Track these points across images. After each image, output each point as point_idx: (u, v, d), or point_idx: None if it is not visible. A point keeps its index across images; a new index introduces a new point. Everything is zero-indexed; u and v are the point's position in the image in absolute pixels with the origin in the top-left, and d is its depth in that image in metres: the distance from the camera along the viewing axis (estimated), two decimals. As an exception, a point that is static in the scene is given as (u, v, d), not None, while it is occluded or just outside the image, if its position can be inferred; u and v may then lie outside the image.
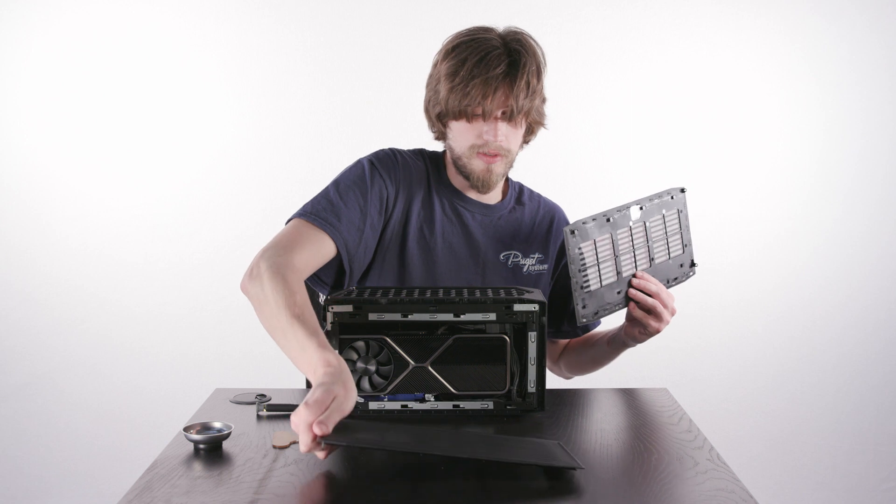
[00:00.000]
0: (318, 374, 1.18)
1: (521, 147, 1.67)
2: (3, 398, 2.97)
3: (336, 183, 1.60)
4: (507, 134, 1.58)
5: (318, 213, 1.53)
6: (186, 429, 1.30)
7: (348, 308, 1.39)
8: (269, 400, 1.52)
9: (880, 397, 3.04)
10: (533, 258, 1.71)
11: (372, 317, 1.39)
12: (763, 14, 2.96)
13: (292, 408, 1.45)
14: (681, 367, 2.93)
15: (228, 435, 1.30)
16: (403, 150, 1.70)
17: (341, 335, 1.40)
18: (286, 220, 1.56)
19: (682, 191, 1.66)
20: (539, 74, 1.58)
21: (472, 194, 1.69)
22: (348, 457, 1.24)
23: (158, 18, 2.93)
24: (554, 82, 2.96)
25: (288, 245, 1.46)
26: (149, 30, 2.93)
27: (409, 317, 1.40)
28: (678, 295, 1.69)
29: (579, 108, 2.99)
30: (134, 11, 2.92)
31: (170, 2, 2.92)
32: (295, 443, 1.30)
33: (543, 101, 1.65)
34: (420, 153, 1.71)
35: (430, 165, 1.69)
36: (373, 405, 1.42)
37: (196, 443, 1.28)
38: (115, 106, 2.95)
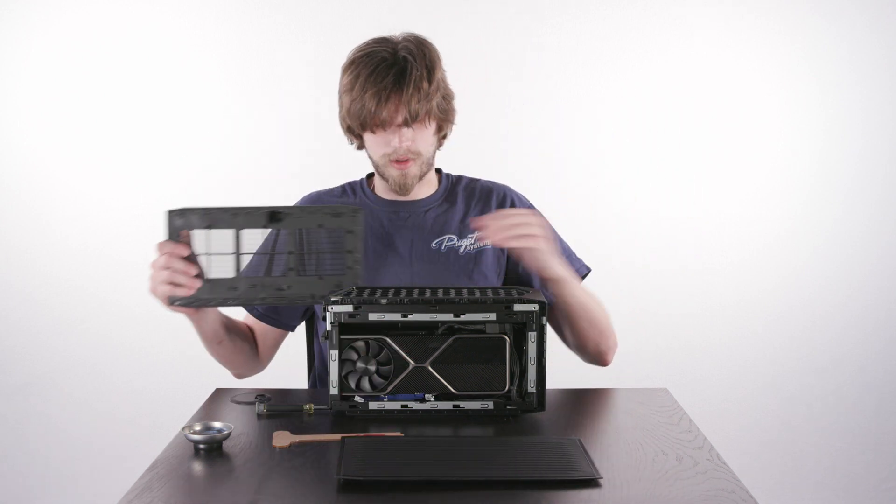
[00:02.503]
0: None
1: (438, 145, 1.75)
2: (3, 398, 2.97)
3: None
4: (414, 137, 1.66)
5: None
6: (186, 429, 1.30)
7: (348, 308, 1.39)
8: (270, 400, 1.52)
9: (880, 398, 3.04)
10: (471, 238, 1.76)
11: (372, 317, 1.39)
12: (763, 14, 2.96)
13: (292, 408, 1.45)
14: (681, 367, 2.93)
15: (228, 435, 1.30)
16: (319, 193, 1.83)
17: (341, 335, 1.40)
18: None
19: (355, 211, 1.47)
20: (430, 76, 1.64)
21: (399, 197, 1.77)
22: (348, 457, 1.23)
23: (158, 18, 2.93)
24: (555, 82, 2.99)
25: None
26: (149, 30, 2.93)
27: (409, 317, 1.40)
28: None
29: (579, 108, 2.99)
30: (134, 11, 2.92)
31: (170, 2, 2.92)
32: (295, 443, 1.30)
33: (447, 97, 1.71)
34: (342, 187, 1.84)
35: (349, 192, 1.82)
36: (373, 405, 1.42)
37: (196, 443, 1.28)
38: (115, 106, 2.95)
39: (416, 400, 1.43)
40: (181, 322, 3.07)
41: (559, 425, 1.44)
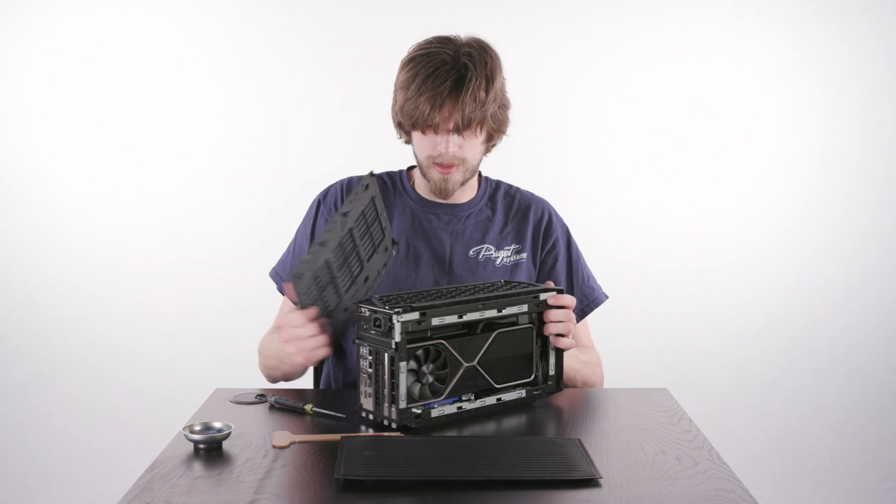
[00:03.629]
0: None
1: (485, 153, 1.72)
2: (3, 398, 2.97)
3: (294, 239, 1.80)
4: (461, 144, 1.63)
5: (284, 277, 1.77)
6: (186, 429, 1.30)
7: (415, 316, 1.35)
8: (273, 398, 1.52)
9: (880, 397, 3.03)
10: (508, 250, 1.76)
11: (434, 321, 1.37)
12: (763, 14, 2.96)
13: (301, 406, 1.46)
14: (681, 367, 2.93)
15: (228, 435, 1.30)
16: (357, 178, 1.78)
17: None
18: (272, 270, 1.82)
19: (372, 175, 1.49)
20: (488, 86, 1.61)
21: (439, 199, 1.75)
22: (348, 457, 1.23)
23: (158, 18, 2.93)
24: (554, 82, 2.99)
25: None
26: (148, 30, 2.93)
27: (464, 317, 1.40)
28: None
29: (579, 108, 2.99)
30: (134, 11, 2.92)
31: (170, 2, 2.92)
32: (295, 443, 1.30)
33: (503, 107, 1.69)
34: (380, 177, 1.80)
35: (388, 183, 1.78)
36: (434, 412, 1.39)
37: (196, 443, 1.28)
38: (115, 106, 2.95)
39: (457, 400, 1.42)
40: (181, 322, 3.09)
41: (559, 425, 1.44)
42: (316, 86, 2.96)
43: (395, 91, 1.68)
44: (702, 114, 3.00)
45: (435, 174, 1.66)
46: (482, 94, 1.60)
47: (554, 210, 1.83)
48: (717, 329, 3.02)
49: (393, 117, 1.71)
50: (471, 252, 1.73)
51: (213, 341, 2.94)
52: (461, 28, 1.71)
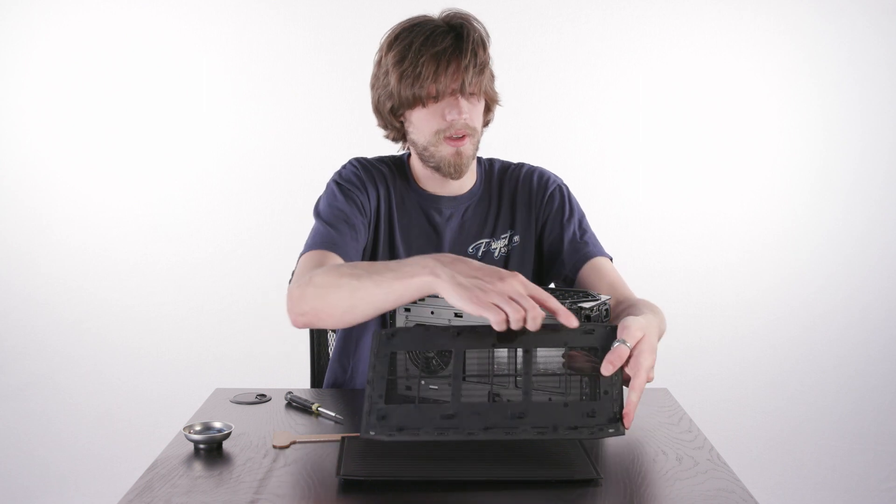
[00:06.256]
0: (442, 262, 1.24)
1: (484, 128, 1.64)
2: (3, 399, 2.97)
3: (319, 214, 1.61)
4: (470, 110, 1.55)
5: (320, 243, 1.54)
6: (186, 429, 1.30)
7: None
8: (269, 399, 1.52)
9: (880, 397, 3.03)
10: (504, 238, 1.68)
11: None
12: (763, 14, 2.96)
13: (310, 404, 1.47)
14: (681, 367, 2.92)
15: (228, 435, 1.30)
16: (366, 159, 1.69)
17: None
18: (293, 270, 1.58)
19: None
20: (485, 46, 1.55)
21: (440, 189, 1.66)
22: (348, 457, 1.23)
23: (158, 19, 2.93)
24: (554, 82, 3.00)
25: (311, 266, 1.48)
26: (149, 31, 2.93)
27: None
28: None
29: (579, 108, 2.99)
30: (134, 13, 2.92)
31: (170, 3, 2.92)
32: (295, 442, 1.30)
33: (492, 77, 1.62)
34: (382, 160, 1.70)
35: (395, 170, 1.68)
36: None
37: (196, 443, 1.28)
38: (116, 107, 2.95)
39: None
40: (181, 322, 3.09)
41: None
42: (318, 86, 2.96)
43: (386, 74, 1.57)
44: (702, 113, 3.00)
45: (445, 150, 1.56)
46: (481, 52, 1.53)
47: (548, 174, 1.74)
48: (717, 329, 3.02)
49: (380, 109, 1.61)
50: (470, 248, 1.67)
51: (213, 341, 2.94)
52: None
